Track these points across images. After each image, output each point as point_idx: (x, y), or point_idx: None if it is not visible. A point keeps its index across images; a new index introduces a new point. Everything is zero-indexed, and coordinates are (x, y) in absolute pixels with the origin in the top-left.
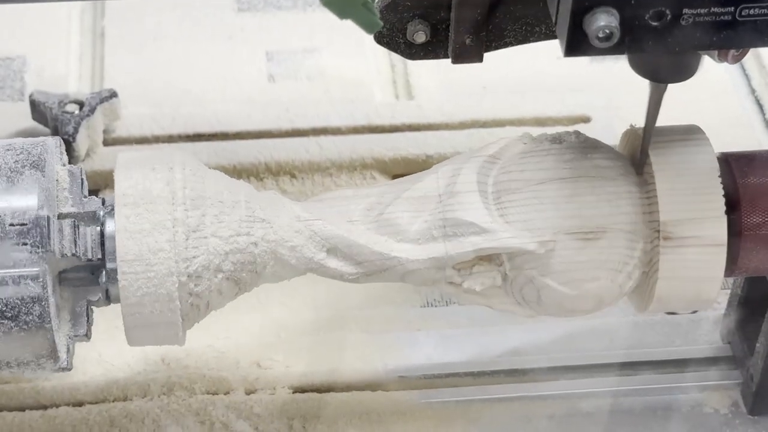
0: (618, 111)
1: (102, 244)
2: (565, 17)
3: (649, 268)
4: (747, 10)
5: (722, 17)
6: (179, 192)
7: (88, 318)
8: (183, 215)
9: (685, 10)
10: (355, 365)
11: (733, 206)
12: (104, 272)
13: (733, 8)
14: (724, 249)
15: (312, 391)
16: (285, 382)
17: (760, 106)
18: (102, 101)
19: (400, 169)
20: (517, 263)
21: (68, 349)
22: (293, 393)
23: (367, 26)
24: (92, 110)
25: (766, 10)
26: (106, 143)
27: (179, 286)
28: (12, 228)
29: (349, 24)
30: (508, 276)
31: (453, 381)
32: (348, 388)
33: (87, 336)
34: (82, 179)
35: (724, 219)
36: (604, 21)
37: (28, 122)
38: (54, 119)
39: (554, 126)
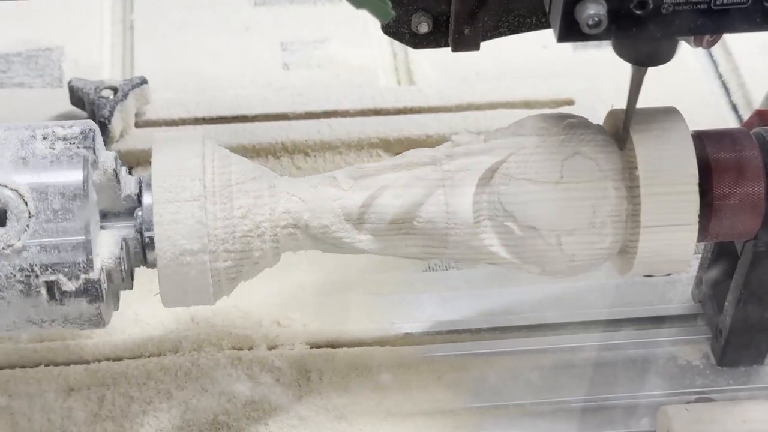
0: (600, 94)
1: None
2: (558, 7)
3: (630, 234)
4: (721, 0)
5: (699, 6)
6: (209, 183)
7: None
8: (212, 184)
9: (666, 0)
10: (365, 323)
11: (705, 178)
12: (141, 238)
13: None
14: (696, 216)
15: (327, 346)
16: (303, 338)
17: (726, 89)
18: (134, 87)
19: (403, 148)
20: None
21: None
22: (310, 348)
23: (380, 14)
24: (125, 95)
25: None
26: (137, 125)
27: (212, 267)
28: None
29: (355, 16)
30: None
31: (453, 337)
32: (359, 343)
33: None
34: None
35: (697, 189)
36: (593, 10)
37: (67, 107)
38: (91, 104)
39: (541, 108)
